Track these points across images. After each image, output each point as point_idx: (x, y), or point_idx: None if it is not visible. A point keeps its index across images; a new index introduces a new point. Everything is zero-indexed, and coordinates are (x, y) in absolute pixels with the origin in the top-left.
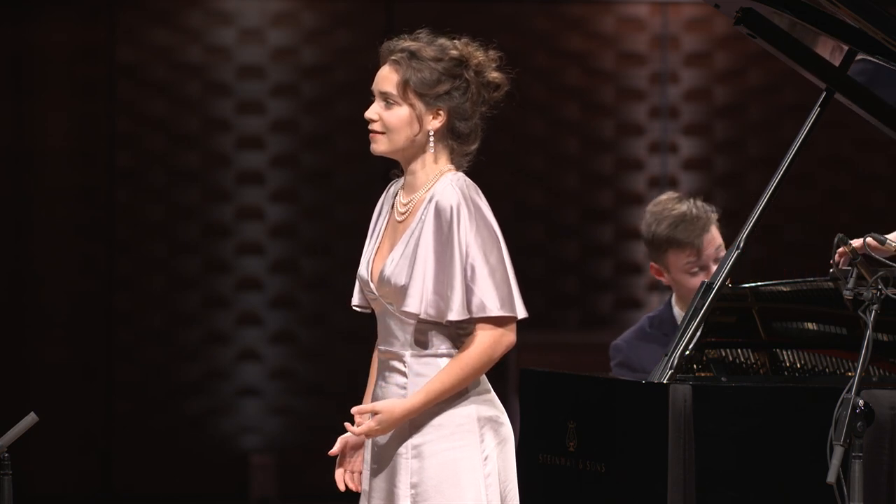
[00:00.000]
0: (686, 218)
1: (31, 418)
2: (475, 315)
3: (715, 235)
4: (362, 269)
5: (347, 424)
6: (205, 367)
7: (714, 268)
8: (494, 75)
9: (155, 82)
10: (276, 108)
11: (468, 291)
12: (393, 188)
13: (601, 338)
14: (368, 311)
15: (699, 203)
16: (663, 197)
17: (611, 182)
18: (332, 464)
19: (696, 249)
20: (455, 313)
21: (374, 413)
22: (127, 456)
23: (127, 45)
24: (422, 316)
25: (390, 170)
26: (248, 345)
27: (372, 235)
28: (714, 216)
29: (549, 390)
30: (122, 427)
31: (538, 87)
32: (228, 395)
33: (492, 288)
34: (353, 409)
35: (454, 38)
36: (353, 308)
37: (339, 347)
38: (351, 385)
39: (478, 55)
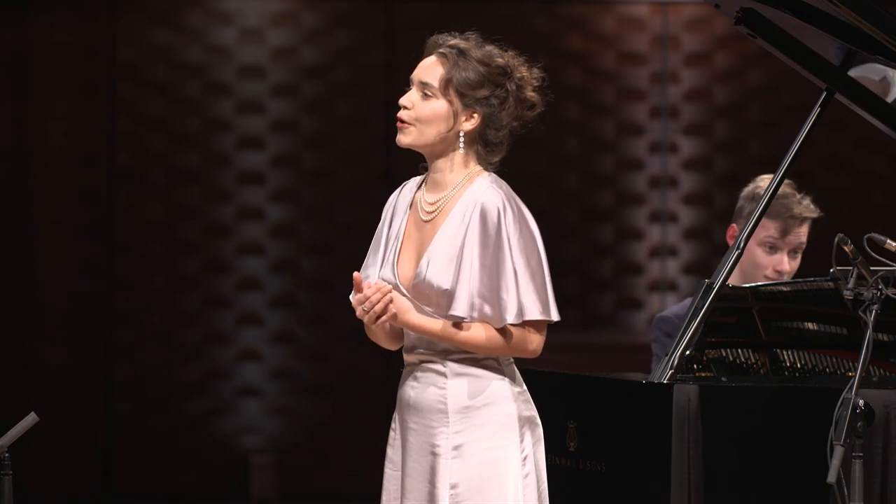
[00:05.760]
0: (795, 199)
1: (31, 418)
2: (523, 319)
3: (805, 232)
4: (387, 272)
5: (367, 283)
6: (205, 367)
7: (787, 260)
8: (531, 94)
9: (155, 82)
10: (276, 108)
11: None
12: (407, 187)
13: (601, 338)
14: None
15: (809, 200)
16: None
17: (611, 182)
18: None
19: (783, 227)
20: (513, 316)
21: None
22: (127, 456)
23: (127, 45)
24: (468, 320)
25: (390, 169)
26: (248, 345)
27: (390, 236)
28: (813, 217)
29: (549, 390)
30: (122, 427)
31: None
32: (228, 395)
33: (532, 292)
34: (376, 284)
35: (503, 49)
36: None
37: (339, 347)
38: (351, 385)
39: (522, 70)
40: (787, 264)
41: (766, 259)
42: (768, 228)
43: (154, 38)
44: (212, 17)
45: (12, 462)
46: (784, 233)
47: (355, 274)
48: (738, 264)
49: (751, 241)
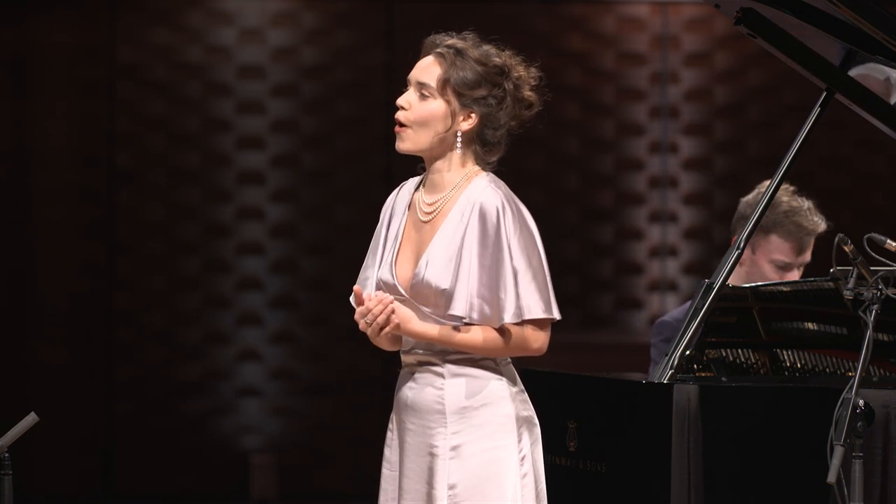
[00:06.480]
0: (803, 213)
1: (31, 418)
2: (522, 318)
3: (812, 244)
4: (385, 273)
5: (367, 294)
6: (205, 367)
7: (795, 274)
8: (528, 94)
9: (155, 82)
10: (276, 108)
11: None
12: (406, 188)
13: (601, 338)
14: None
15: (813, 207)
16: (787, 185)
17: (611, 182)
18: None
19: (798, 246)
20: (510, 315)
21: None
22: (127, 456)
23: (127, 45)
24: (466, 320)
25: (390, 169)
26: (248, 345)
27: (388, 237)
28: (824, 229)
29: (549, 390)
30: (122, 427)
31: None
32: (228, 395)
33: (535, 291)
34: (377, 296)
35: (501, 49)
36: None
37: (339, 347)
38: (351, 385)
39: (519, 69)
40: (795, 278)
41: (774, 275)
42: (783, 251)
43: (154, 38)
44: (212, 17)
45: (12, 462)
46: (799, 251)
47: (356, 287)
48: (746, 274)
49: (760, 256)
